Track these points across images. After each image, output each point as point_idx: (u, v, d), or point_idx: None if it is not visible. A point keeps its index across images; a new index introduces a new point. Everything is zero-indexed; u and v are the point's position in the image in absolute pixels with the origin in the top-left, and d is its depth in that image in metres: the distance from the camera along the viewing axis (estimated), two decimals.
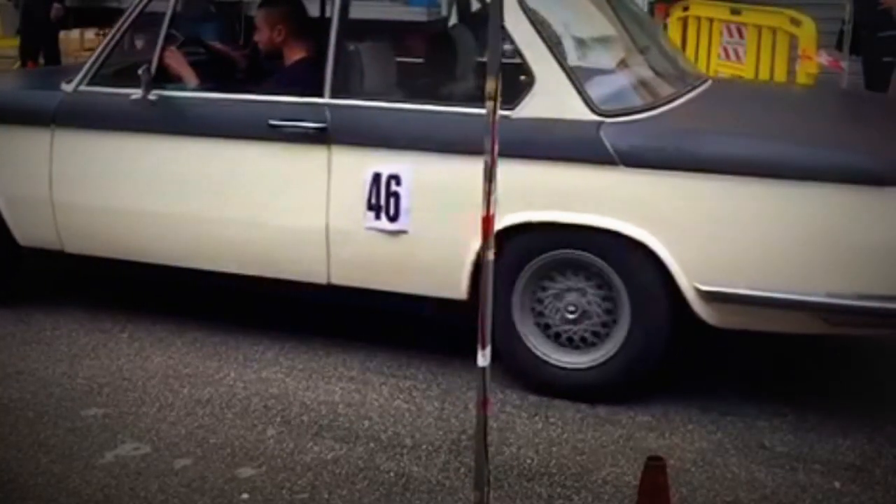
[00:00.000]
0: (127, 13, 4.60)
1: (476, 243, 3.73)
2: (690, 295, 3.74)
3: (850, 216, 3.56)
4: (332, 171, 4.11)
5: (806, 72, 6.97)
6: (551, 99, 3.84)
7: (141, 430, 3.81)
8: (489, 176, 2.83)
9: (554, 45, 3.97)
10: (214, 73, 4.74)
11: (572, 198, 3.79)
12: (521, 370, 4.06)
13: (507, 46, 3.83)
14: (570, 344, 3.99)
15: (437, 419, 3.94)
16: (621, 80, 4.34)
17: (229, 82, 4.67)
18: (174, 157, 4.39)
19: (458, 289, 4.00)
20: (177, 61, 4.58)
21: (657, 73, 4.54)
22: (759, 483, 3.50)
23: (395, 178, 4.00)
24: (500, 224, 3.67)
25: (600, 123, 3.81)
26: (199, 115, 4.39)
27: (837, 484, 3.50)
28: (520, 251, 3.92)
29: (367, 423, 3.90)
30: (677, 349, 3.99)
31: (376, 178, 4.02)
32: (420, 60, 4.96)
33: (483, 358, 2.88)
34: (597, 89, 3.97)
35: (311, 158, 4.13)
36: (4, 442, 3.71)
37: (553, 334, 4.00)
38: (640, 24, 4.97)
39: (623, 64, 4.53)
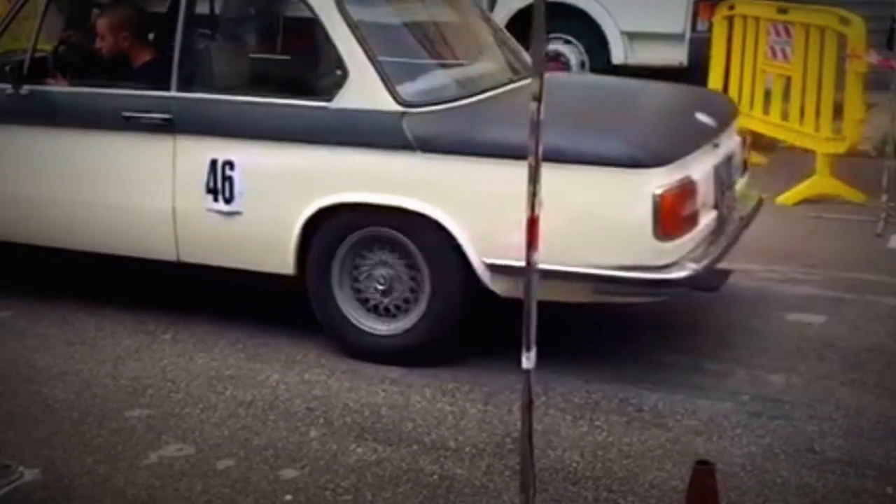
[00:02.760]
0: (8, 12, 4.95)
1: (299, 223, 4.27)
2: (479, 268, 4.12)
3: (611, 196, 3.95)
4: (177, 158, 4.49)
5: (855, 71, 6.85)
6: (363, 92, 4.25)
7: (184, 431, 3.82)
8: (533, 177, 2.81)
9: (367, 42, 4.32)
10: (90, 69, 5.04)
11: (379, 181, 4.20)
12: (342, 339, 4.42)
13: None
14: (385, 313, 4.34)
15: (481, 422, 3.91)
16: (434, 74, 4.73)
17: (94, 78, 4.94)
18: (42, 147, 4.77)
19: (287, 265, 4.37)
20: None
21: (477, 67, 4.97)
22: (809, 488, 3.44)
23: (230, 164, 4.38)
24: (316, 205, 4.25)
25: (403, 114, 4.19)
26: (64, 108, 4.77)
27: (890, 489, 3.43)
28: (336, 230, 4.31)
29: (410, 425, 3.88)
30: (473, 317, 4.30)
31: (213, 164, 4.40)
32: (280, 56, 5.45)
33: (527, 360, 2.85)
34: (406, 83, 4.35)
35: (159, 147, 4.51)
36: (50, 442, 3.73)
37: (369, 305, 4.36)
38: (475, 20, 5.38)
39: (441, 59, 4.96)
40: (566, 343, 4.56)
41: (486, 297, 4.19)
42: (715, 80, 8.17)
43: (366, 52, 4.28)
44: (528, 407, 2.85)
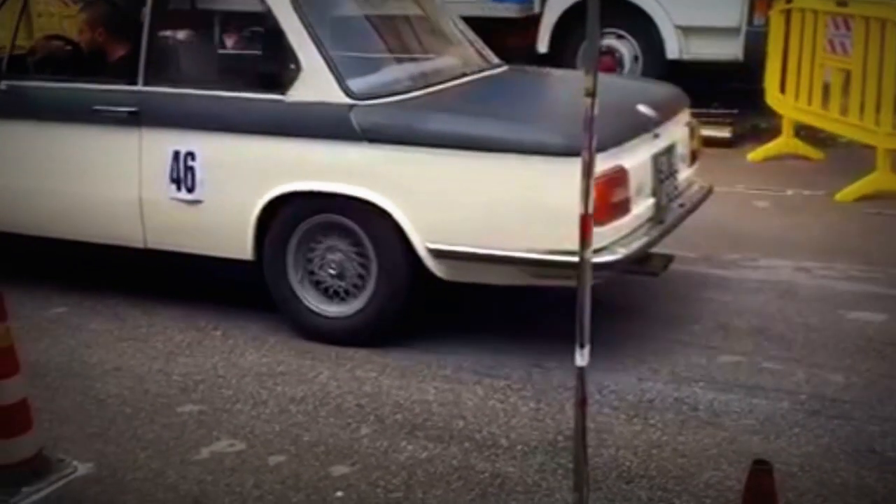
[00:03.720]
0: None
1: (256, 210, 4.45)
2: (423, 252, 4.29)
3: (543, 183, 4.10)
4: (143, 149, 4.69)
5: None
6: (314, 85, 4.44)
7: (236, 427, 3.82)
8: (587, 172, 2.78)
9: (320, 38, 4.49)
10: (68, 65, 5.31)
11: (329, 170, 4.39)
12: (297, 320, 4.60)
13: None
14: (336, 296, 4.51)
15: (533, 419, 3.87)
16: (386, 68, 4.96)
17: (72, 73, 5.15)
18: (20, 139, 4.98)
19: (245, 251, 4.56)
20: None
21: (432, 61, 5.19)
22: (869, 489, 3.36)
23: (191, 155, 4.58)
24: (272, 193, 4.44)
25: (352, 106, 4.36)
26: (39, 102, 4.98)
27: None
28: (290, 217, 4.49)
29: (461, 422, 3.85)
30: (419, 300, 4.49)
31: (176, 155, 4.60)
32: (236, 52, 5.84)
33: (581, 357, 2.80)
34: (357, 77, 4.52)
35: (126, 138, 4.71)
36: (103, 437, 3.75)
37: (322, 288, 4.53)
38: (435, 15, 5.58)
39: (395, 53, 5.17)
40: (620, 341, 4.52)
41: (432, 282, 4.38)
42: (772, 75, 8.05)
43: (318, 47, 4.46)
44: (581, 404, 2.80)
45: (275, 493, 3.38)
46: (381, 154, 4.30)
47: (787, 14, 7.95)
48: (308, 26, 4.48)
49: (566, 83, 5.60)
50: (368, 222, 4.36)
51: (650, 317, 4.84)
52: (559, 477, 3.44)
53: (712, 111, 8.70)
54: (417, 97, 4.55)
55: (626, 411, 3.92)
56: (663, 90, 5.34)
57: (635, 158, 4.34)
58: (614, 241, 4.16)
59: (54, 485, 3.41)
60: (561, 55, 9.06)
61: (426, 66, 5.10)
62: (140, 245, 4.78)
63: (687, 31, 8.73)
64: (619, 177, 4.18)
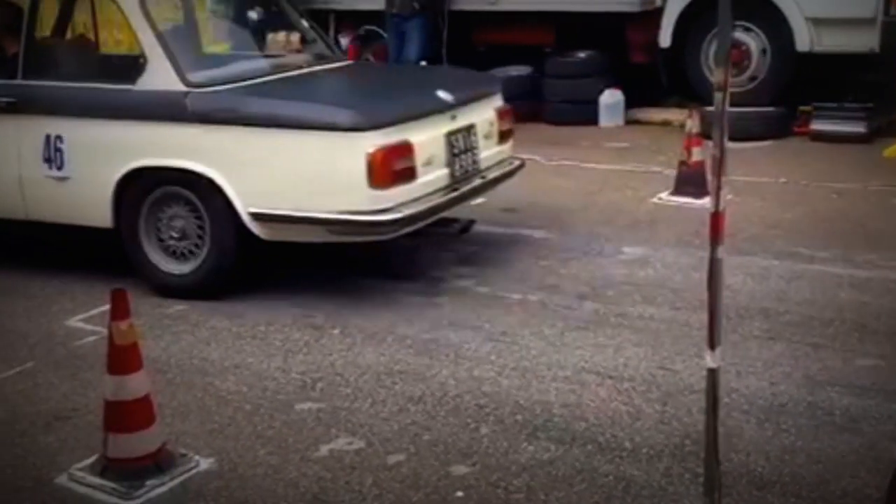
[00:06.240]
0: None
1: (113, 184, 5.13)
2: (245, 216, 4.97)
3: (336, 154, 4.82)
4: (21, 134, 5.41)
5: None
6: (158, 76, 5.15)
7: (354, 426, 3.79)
8: (719, 170, 2.66)
9: (164, 36, 5.25)
10: None
11: (169, 148, 5.09)
12: (147, 278, 5.23)
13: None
14: (181, 257, 5.18)
15: (658, 422, 3.74)
16: (225, 60, 6.00)
17: None
18: None
19: (106, 220, 5.26)
20: None
21: (270, 56, 6.25)
22: None
23: (60, 138, 5.30)
24: (125, 169, 5.14)
25: (188, 93, 5.08)
26: None
27: None
28: (141, 189, 5.18)
29: (583, 424, 3.75)
30: (246, 258, 5.12)
31: (48, 138, 5.32)
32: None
33: (712, 358, 2.68)
34: (196, 69, 5.29)
35: (7, 125, 5.45)
36: (223, 433, 3.77)
37: (170, 251, 5.20)
38: (281, 13, 6.48)
39: (236, 48, 6.39)
40: (750, 343, 4.36)
41: (256, 242, 5.01)
42: None
43: (161, 44, 5.19)
44: (713, 406, 2.69)
45: (394, 491, 3.34)
46: (210, 133, 4.99)
47: None
48: (154, 26, 5.22)
49: (391, 75, 6.46)
50: (201, 192, 5.03)
51: (782, 318, 4.66)
52: (686, 482, 3.32)
53: (846, 105, 8.39)
54: (245, 86, 5.24)
55: (757, 415, 3.76)
56: (470, 79, 6.21)
57: (424, 134, 5.02)
58: (400, 202, 4.84)
59: (177, 479, 3.44)
60: (683, 49, 8.85)
61: (265, 60, 6.12)
62: (22, 217, 5.50)
63: (818, 22, 8.40)
64: (402, 149, 4.86)
